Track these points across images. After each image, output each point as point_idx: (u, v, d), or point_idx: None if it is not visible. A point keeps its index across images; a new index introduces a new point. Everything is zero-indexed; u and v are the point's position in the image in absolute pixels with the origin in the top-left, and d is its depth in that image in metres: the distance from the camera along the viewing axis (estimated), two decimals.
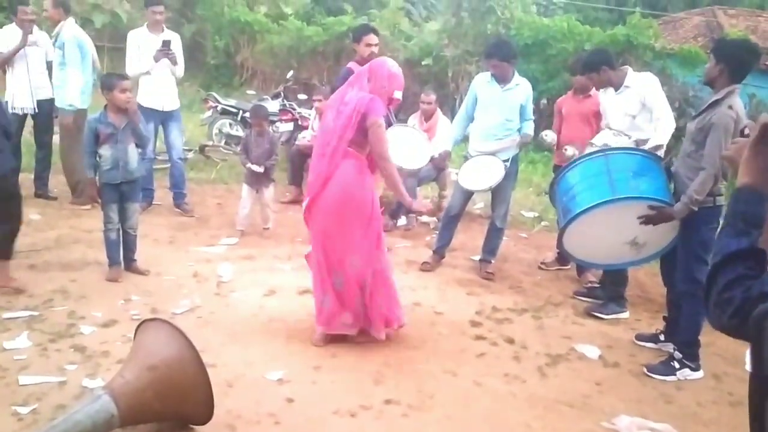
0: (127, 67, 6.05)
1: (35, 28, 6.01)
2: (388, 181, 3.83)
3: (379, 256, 3.82)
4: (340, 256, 3.72)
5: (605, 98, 4.82)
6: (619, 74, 4.53)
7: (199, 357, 2.74)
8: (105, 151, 4.45)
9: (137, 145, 4.60)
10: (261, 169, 5.71)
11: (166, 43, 5.97)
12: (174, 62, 6.04)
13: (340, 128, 3.63)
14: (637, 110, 4.48)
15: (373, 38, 5.39)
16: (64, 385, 3.14)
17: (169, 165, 6.39)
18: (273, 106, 8.94)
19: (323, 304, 3.78)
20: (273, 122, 9.20)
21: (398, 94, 3.81)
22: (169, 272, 4.72)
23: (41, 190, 6.26)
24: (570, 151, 4.76)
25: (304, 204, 3.83)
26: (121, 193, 4.56)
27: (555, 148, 5.33)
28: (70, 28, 5.97)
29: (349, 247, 3.70)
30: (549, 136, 5.31)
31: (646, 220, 3.79)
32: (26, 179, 5.94)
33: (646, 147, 4.20)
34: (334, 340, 3.82)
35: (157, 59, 5.93)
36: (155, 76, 6.05)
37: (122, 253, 4.65)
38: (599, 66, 4.52)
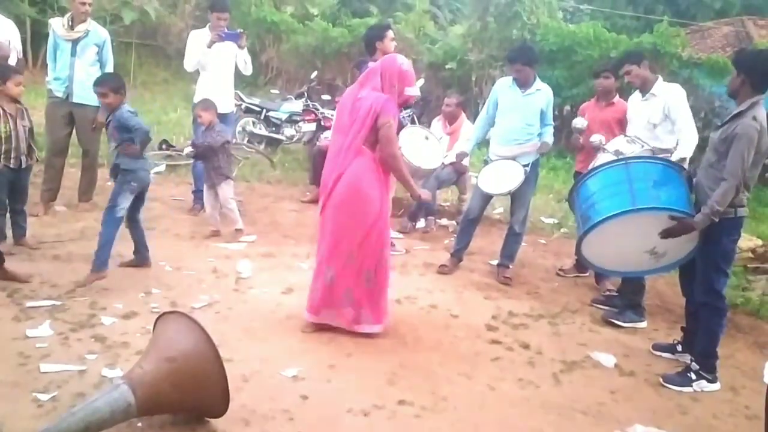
0: (185, 62, 6.20)
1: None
2: (398, 175, 3.89)
3: (382, 255, 3.86)
4: (339, 251, 3.78)
5: (632, 104, 4.87)
6: (651, 78, 4.68)
7: (216, 351, 2.78)
8: None
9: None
10: (187, 150, 5.68)
11: (234, 36, 6.00)
12: (241, 46, 6.07)
13: (357, 126, 3.71)
14: (659, 119, 4.52)
15: (391, 33, 5.46)
16: (84, 373, 3.19)
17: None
18: (296, 105, 9.01)
19: (313, 292, 3.88)
20: (296, 122, 9.28)
21: (411, 91, 3.84)
22: (189, 267, 4.77)
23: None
24: (596, 139, 4.76)
25: (321, 204, 3.88)
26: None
27: (581, 138, 5.21)
28: (95, 25, 5.85)
29: (351, 243, 3.76)
30: (579, 122, 5.16)
31: (667, 233, 3.75)
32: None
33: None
34: (350, 338, 3.85)
35: (209, 45, 5.94)
36: (211, 78, 6.10)
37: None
38: (641, 59, 4.73)
